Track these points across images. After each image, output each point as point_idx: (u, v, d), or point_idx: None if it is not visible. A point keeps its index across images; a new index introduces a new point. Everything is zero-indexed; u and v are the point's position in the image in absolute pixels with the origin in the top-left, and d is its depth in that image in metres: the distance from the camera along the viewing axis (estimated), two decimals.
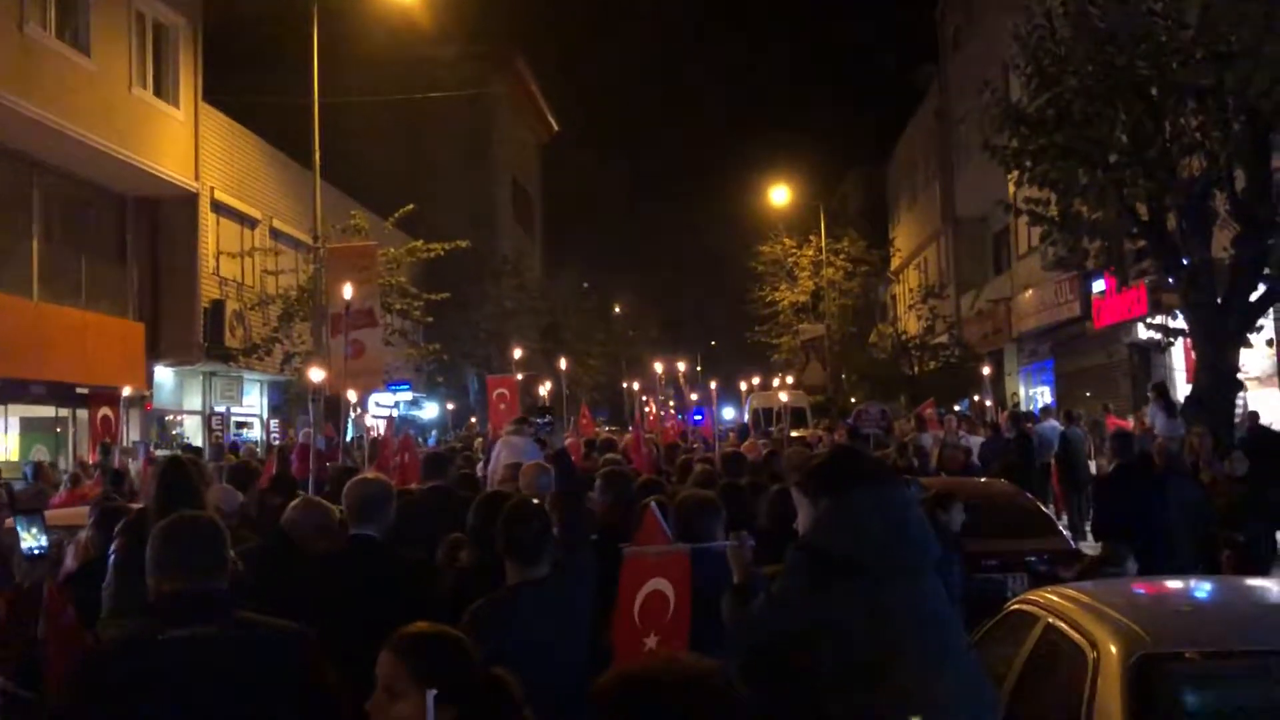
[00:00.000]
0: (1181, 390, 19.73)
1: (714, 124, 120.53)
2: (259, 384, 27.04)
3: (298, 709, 3.04)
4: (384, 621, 4.03)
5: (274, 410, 27.17)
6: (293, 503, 5.36)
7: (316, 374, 8.13)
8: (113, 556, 4.69)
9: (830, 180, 49.99)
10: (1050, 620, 4.19)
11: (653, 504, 5.04)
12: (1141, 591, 4.42)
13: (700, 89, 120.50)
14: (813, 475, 3.38)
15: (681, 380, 27.42)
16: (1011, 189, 21.20)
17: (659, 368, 22.80)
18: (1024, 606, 4.57)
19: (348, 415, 18.52)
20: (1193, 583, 4.72)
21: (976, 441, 16.18)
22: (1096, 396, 24.44)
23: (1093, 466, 16.27)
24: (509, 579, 4.19)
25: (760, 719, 2.35)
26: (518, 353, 21.21)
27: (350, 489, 4.82)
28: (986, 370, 26.11)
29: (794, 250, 40.75)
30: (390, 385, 29.43)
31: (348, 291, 9.20)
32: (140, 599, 4.01)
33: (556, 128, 56.31)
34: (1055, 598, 4.39)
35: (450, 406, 34.55)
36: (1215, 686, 3.54)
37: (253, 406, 27.21)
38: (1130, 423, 16.59)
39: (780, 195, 40.31)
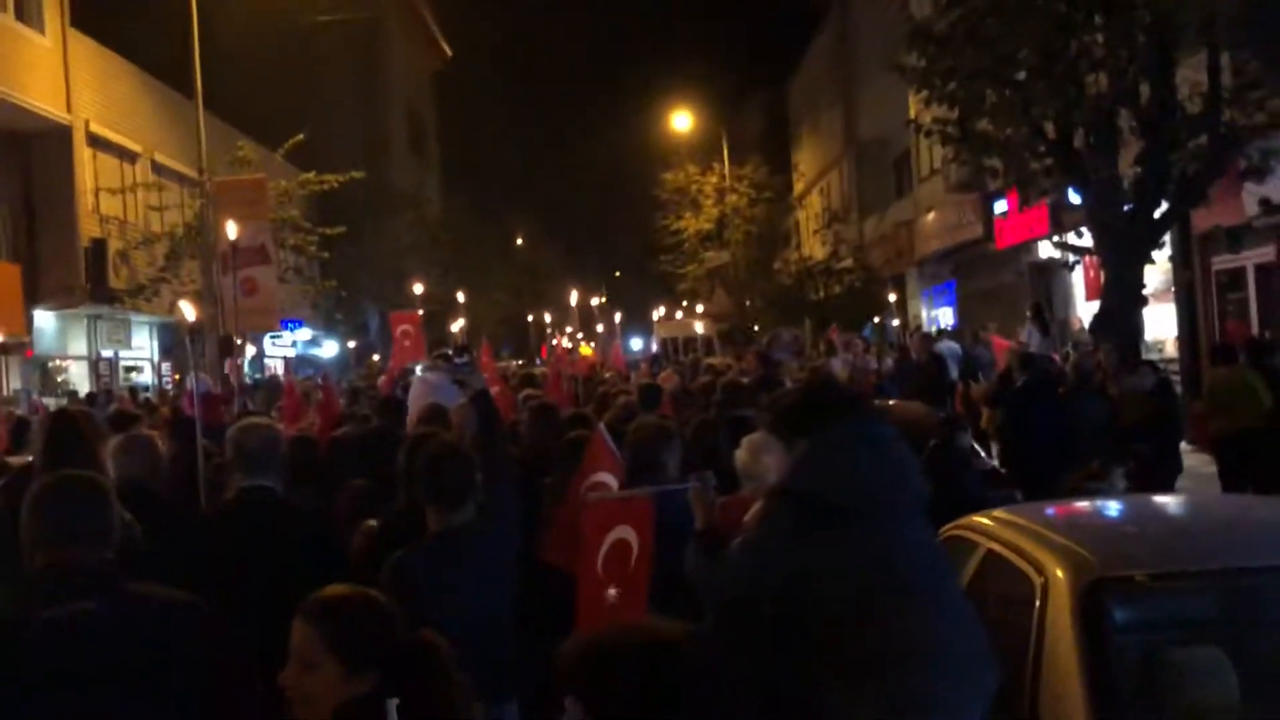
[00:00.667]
0: (1082, 308, 20.18)
1: (613, 47, 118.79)
2: (148, 326, 25.94)
3: (195, 689, 2.70)
4: (288, 580, 3.75)
5: (165, 353, 26.16)
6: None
7: (187, 310, 7.63)
8: None
9: (732, 103, 49.58)
10: (991, 546, 4.05)
11: (602, 426, 5.05)
12: (1082, 513, 4.32)
13: (598, 10, 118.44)
14: (787, 414, 3.10)
15: (596, 313, 27.25)
16: (913, 110, 21.24)
17: (574, 299, 22.51)
18: (960, 532, 4.43)
19: (241, 356, 17.85)
20: (1133, 502, 4.64)
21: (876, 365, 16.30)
22: (997, 318, 24.86)
23: None
24: (431, 526, 3.97)
25: (732, 682, 2.20)
26: (419, 288, 20.65)
27: (237, 436, 4.42)
28: (893, 297, 26.40)
29: (698, 177, 40.48)
30: (285, 323, 28.56)
31: (232, 230, 8.61)
32: (20, 573, 3.64)
33: (450, 54, 54.79)
34: (992, 523, 4.25)
35: (351, 344, 33.77)
36: (1169, 609, 3.44)
37: (142, 350, 26.12)
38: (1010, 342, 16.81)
39: (682, 121, 39.93)
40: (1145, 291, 12.15)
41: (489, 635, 3.83)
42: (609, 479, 4.49)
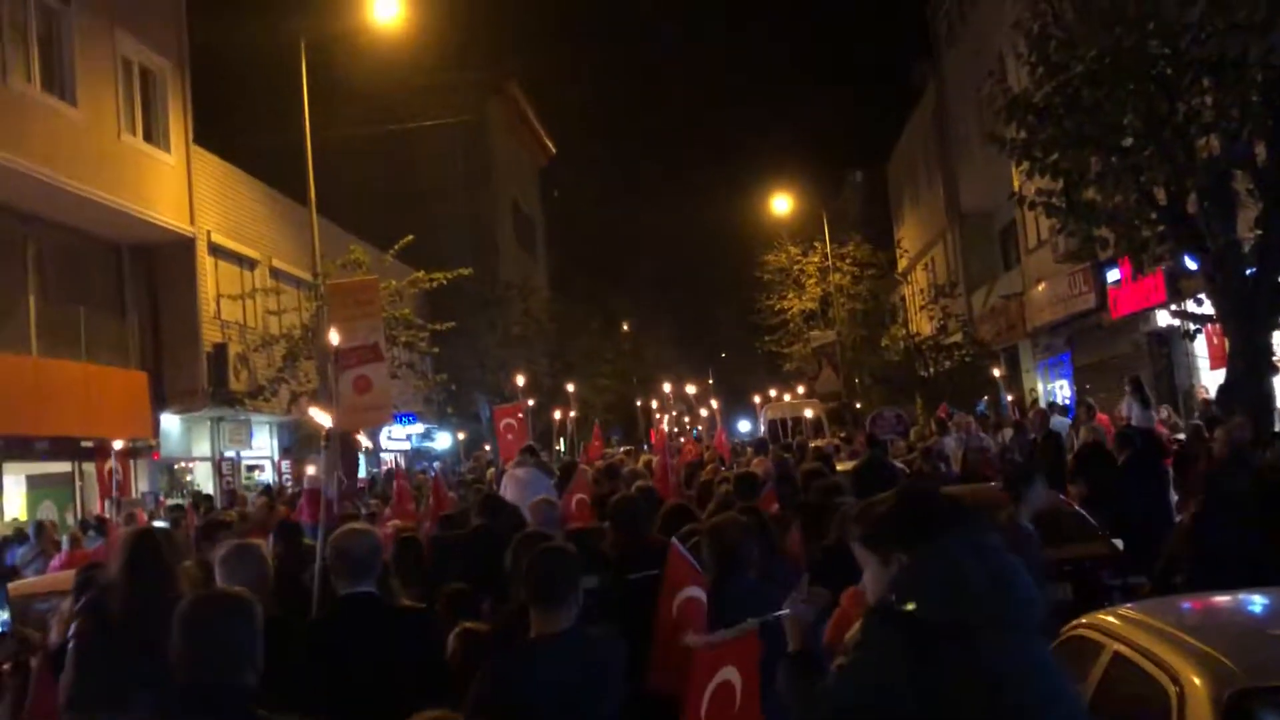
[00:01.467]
0: (1206, 377, 19.33)
1: (711, 134, 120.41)
2: (267, 426, 26.73)
3: None
4: (391, 686, 3.70)
5: (284, 452, 26.87)
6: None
7: (321, 416, 7.74)
8: (71, 641, 4.31)
9: (831, 184, 49.66)
10: (1118, 648, 3.79)
11: (675, 541, 4.85)
12: (1221, 613, 4.02)
13: (694, 99, 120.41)
14: (881, 524, 2.84)
15: (699, 398, 27.14)
16: (1017, 181, 20.89)
17: (667, 387, 22.50)
18: (1086, 632, 4.17)
19: (357, 455, 18.19)
20: (1273, 598, 4.29)
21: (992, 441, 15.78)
22: (1116, 389, 23.98)
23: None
24: (534, 629, 3.83)
25: None
26: (520, 379, 20.87)
27: (340, 541, 4.38)
28: (998, 372, 25.70)
29: (799, 258, 40.37)
30: (399, 418, 29.12)
31: (335, 337, 8.82)
32: (105, 690, 3.66)
33: (554, 149, 56.16)
34: (1120, 622, 3.99)
35: (461, 436, 34.26)
36: None
37: (262, 449, 26.90)
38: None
39: (782, 204, 40.03)
40: (1275, 358, 11.55)
41: None
42: (697, 592, 4.38)
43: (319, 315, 21.15)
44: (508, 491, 9.27)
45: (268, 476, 25.99)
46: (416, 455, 35.56)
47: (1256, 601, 4.24)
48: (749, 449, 18.13)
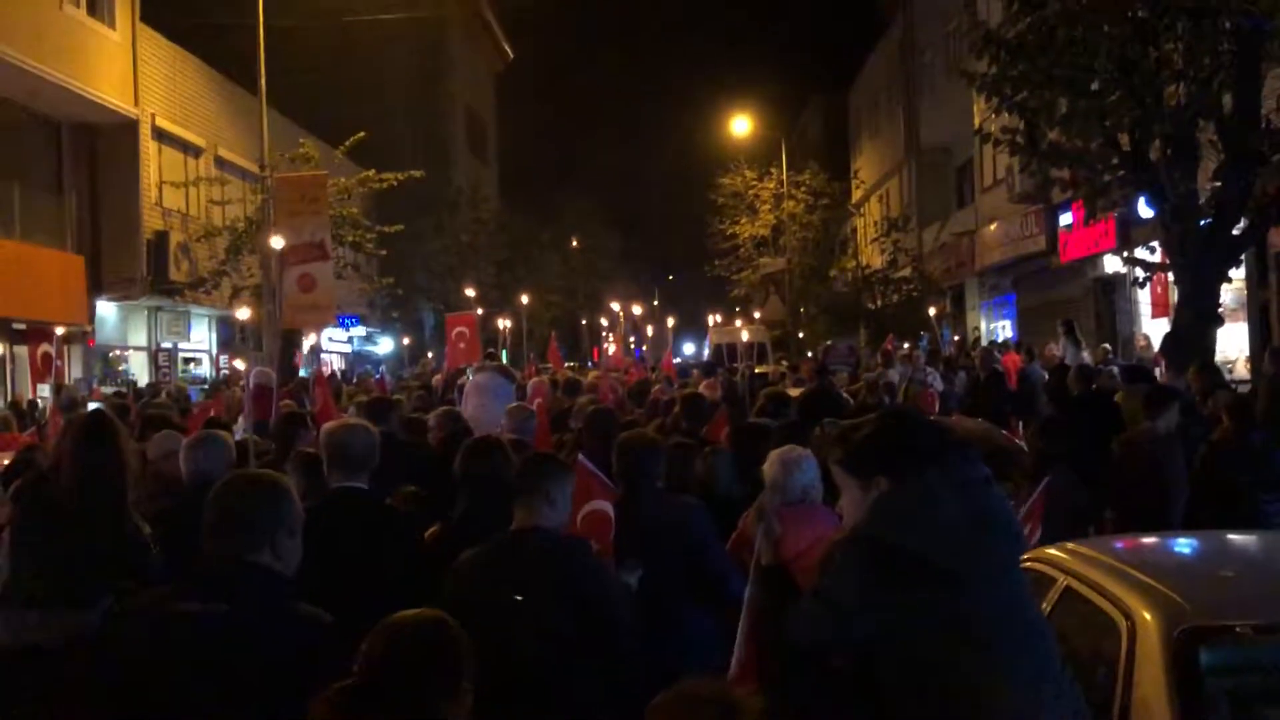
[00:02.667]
0: (1148, 326, 19.67)
1: (673, 52, 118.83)
2: (207, 319, 26.26)
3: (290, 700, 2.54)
4: (374, 578, 3.58)
5: (223, 345, 26.45)
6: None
7: (243, 313, 7.59)
8: (5, 528, 4.16)
9: (791, 109, 49.34)
10: (1069, 582, 3.83)
11: (581, 456, 4.98)
12: (1169, 551, 4.07)
13: (659, 14, 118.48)
14: (866, 448, 2.76)
15: (648, 318, 27.13)
16: (979, 118, 20.82)
17: (615, 306, 22.43)
18: (1035, 565, 4.20)
19: (297, 353, 17.93)
20: (1229, 540, 4.36)
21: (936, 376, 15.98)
22: (1057, 332, 24.31)
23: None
24: (517, 523, 3.79)
25: None
26: (470, 291, 20.67)
27: (340, 435, 4.38)
28: (933, 311, 25.93)
29: (755, 183, 40.15)
30: (342, 320, 28.76)
31: (277, 242, 8.60)
32: (49, 581, 3.55)
33: (511, 55, 55.01)
34: (1070, 557, 4.02)
35: (406, 341, 33.95)
36: (1271, 664, 3.19)
37: (201, 342, 26.45)
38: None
39: (741, 126, 39.59)
40: (1220, 310, 11.72)
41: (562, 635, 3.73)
42: (604, 505, 4.54)
43: (265, 209, 20.65)
44: (470, 397, 9.17)
45: (205, 370, 25.59)
46: (358, 358, 35.22)
47: (1206, 541, 4.31)
48: (695, 371, 18.13)
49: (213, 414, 9.86)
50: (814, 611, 2.67)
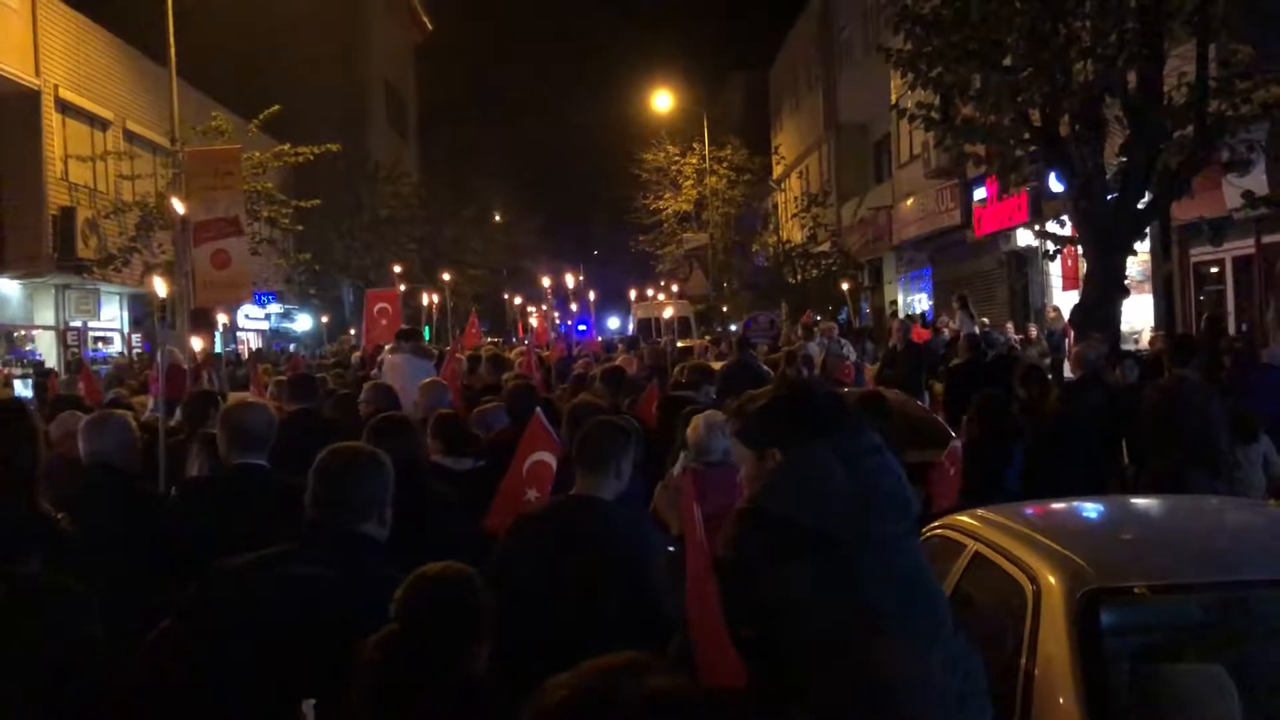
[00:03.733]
0: (1059, 298, 20.16)
1: (594, 26, 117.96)
2: (118, 297, 25.54)
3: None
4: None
5: (135, 324, 25.77)
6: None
7: (160, 286, 7.40)
8: None
9: (713, 85, 49.28)
10: (978, 548, 3.93)
11: (539, 411, 5.33)
12: (1074, 516, 4.20)
13: None
14: (758, 420, 2.77)
15: (568, 294, 27.07)
16: (896, 94, 21.08)
17: (546, 281, 22.37)
18: (945, 532, 4.31)
19: (211, 333, 17.55)
20: (1131, 505, 4.51)
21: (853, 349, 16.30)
22: (973, 304, 24.83)
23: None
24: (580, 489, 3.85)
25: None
26: (398, 268, 20.42)
27: (236, 415, 4.39)
28: (845, 285, 26.30)
29: (677, 157, 40.18)
30: (259, 297, 28.21)
31: (178, 206, 8.41)
32: None
33: (431, 28, 54.19)
34: (979, 523, 4.13)
35: (325, 319, 33.41)
36: (1171, 623, 3.32)
37: (112, 321, 25.73)
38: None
39: (663, 101, 39.58)
40: (1126, 282, 12.08)
41: None
42: (549, 458, 4.91)
43: (176, 183, 20.12)
44: (385, 377, 9.07)
45: (116, 348, 24.93)
46: (275, 336, 34.60)
47: (1108, 507, 4.46)
48: (619, 345, 18.16)
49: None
50: (736, 559, 2.66)
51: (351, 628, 2.70)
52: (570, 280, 28.65)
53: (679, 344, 18.59)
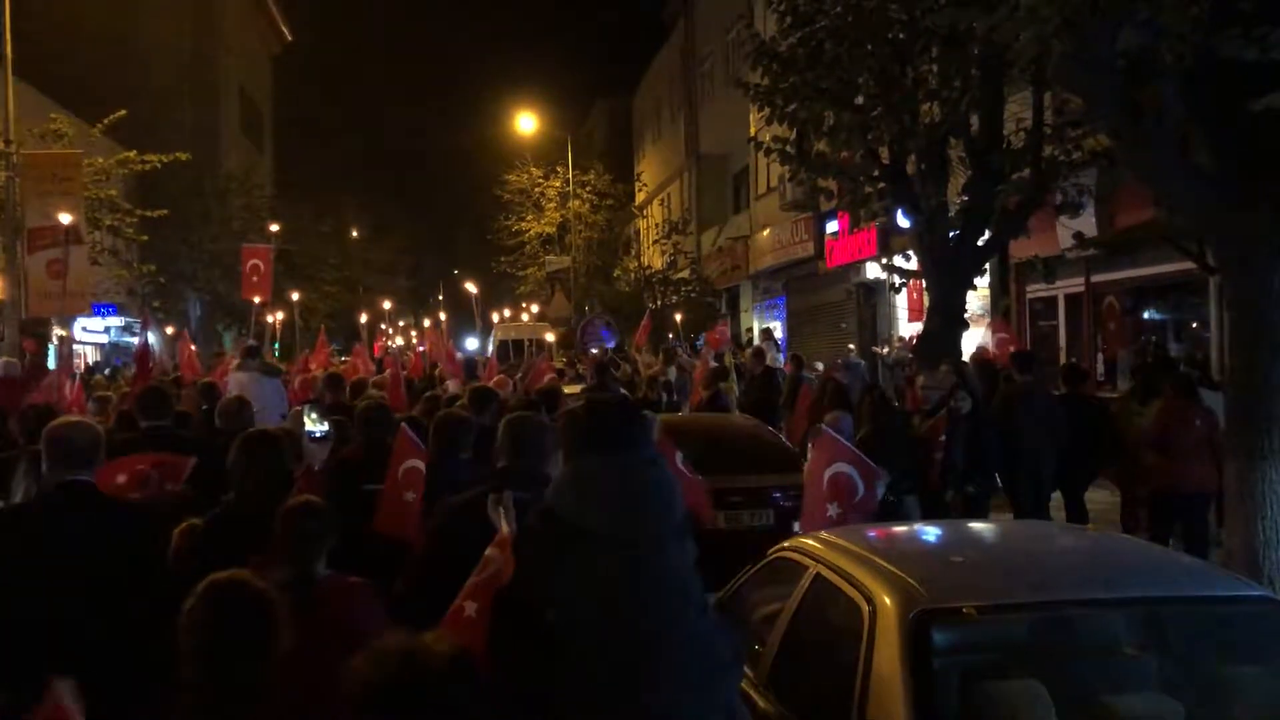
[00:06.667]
0: (904, 328, 20.92)
1: (460, 45, 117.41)
2: None
3: None
4: (104, 578, 3.53)
5: None
6: None
7: None
8: None
9: (577, 110, 49.70)
10: (819, 570, 4.05)
11: (404, 425, 6.00)
12: (911, 539, 4.37)
13: (450, 6, 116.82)
14: (563, 433, 3.25)
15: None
16: (754, 128, 21.60)
17: (387, 304, 22.10)
18: (789, 554, 4.43)
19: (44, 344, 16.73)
20: (964, 529, 4.72)
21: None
22: (824, 333, 25.62)
23: None
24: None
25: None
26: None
27: (61, 431, 4.23)
28: (678, 317, 26.78)
29: (541, 180, 40.24)
30: (97, 309, 26.95)
31: (35, 216, 8.03)
32: None
33: (290, 38, 52.99)
34: (821, 546, 4.26)
35: (169, 331, 32.13)
36: (993, 641, 3.48)
37: None
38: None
39: (527, 124, 39.58)
40: (966, 315, 12.63)
41: None
42: (418, 463, 5.57)
43: (9, 188, 19.13)
44: (232, 391, 8.79)
45: None
46: (114, 350, 33.10)
47: (946, 530, 4.66)
48: (489, 366, 18.02)
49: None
50: (518, 571, 3.09)
51: None
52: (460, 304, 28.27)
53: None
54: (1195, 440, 8.57)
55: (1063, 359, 16.15)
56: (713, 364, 15.79)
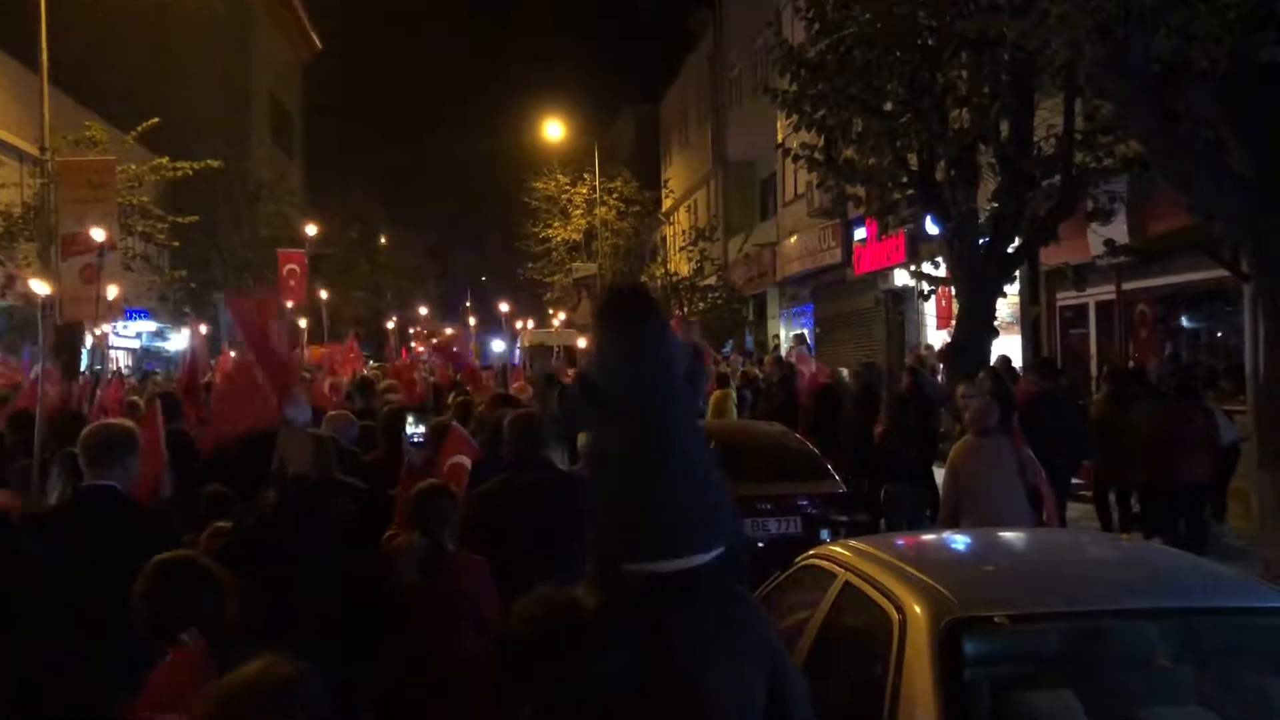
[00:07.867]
0: (933, 336, 20.80)
1: (488, 52, 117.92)
2: None
3: None
4: (125, 576, 3.59)
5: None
6: None
7: (39, 286, 7.13)
8: None
9: (604, 117, 49.70)
10: (848, 577, 4.02)
11: (455, 423, 6.45)
12: (941, 548, 4.34)
13: (478, 14, 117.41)
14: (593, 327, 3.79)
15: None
16: (782, 134, 21.57)
17: (423, 310, 22.17)
18: (818, 562, 4.40)
19: (78, 348, 16.86)
20: (995, 537, 4.68)
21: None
22: (852, 339, 25.52)
23: None
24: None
25: None
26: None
27: (88, 435, 4.33)
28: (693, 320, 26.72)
29: (568, 187, 40.32)
30: (129, 313, 27.21)
31: (71, 222, 8.13)
32: None
33: (319, 46, 53.40)
34: (851, 554, 4.23)
35: (203, 328, 32.36)
36: (1025, 651, 3.44)
37: None
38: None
39: (555, 130, 39.65)
40: (996, 322, 12.56)
41: None
42: (465, 460, 5.92)
43: (45, 194, 19.35)
44: None
45: None
46: (146, 355, 33.39)
47: (977, 538, 4.61)
48: (515, 373, 18.02)
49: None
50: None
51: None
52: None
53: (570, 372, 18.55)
54: (1196, 437, 9.39)
55: (1093, 367, 16.02)
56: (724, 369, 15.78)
